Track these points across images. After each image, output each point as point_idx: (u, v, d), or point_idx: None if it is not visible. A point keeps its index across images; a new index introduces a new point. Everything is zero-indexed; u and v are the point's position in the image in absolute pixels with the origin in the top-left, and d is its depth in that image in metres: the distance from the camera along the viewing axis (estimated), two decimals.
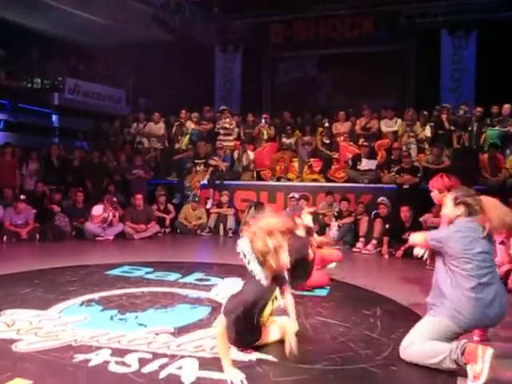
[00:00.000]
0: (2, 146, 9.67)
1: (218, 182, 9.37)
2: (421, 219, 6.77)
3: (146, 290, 4.45)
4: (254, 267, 2.71)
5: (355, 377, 2.70)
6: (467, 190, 3.09)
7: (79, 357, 2.80)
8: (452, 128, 9.16)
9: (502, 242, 4.94)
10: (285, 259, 2.67)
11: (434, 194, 3.89)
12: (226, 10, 12.91)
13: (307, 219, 4.63)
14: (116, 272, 5.22)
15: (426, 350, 2.70)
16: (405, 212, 6.91)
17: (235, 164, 9.95)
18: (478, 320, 2.78)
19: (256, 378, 2.58)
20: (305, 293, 4.39)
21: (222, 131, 10.22)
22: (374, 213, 7.70)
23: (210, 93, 13.38)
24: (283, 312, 3.11)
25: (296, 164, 9.66)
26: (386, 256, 6.85)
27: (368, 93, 12.01)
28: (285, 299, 3.06)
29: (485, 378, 2.48)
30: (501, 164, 8.34)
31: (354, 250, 7.32)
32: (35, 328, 3.28)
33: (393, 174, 8.60)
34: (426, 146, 9.17)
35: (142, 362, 2.75)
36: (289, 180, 9.51)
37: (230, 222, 8.79)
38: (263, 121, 10.49)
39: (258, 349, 2.93)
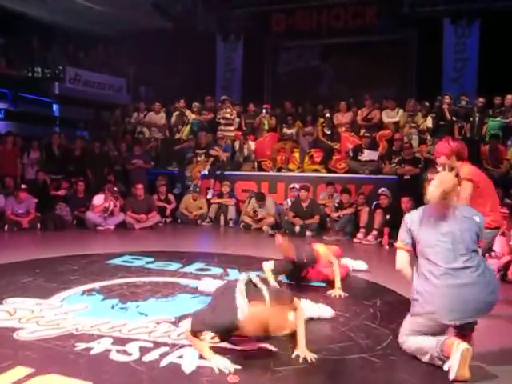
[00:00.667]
0: (3, 135, 9.66)
1: (218, 172, 9.37)
2: None
3: (146, 279, 4.47)
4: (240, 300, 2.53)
5: (355, 366, 2.72)
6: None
7: (81, 345, 2.82)
8: (454, 119, 9.11)
9: (502, 234, 4.94)
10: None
11: (442, 161, 3.67)
12: None
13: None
14: (117, 261, 5.24)
15: (417, 349, 2.69)
16: (405, 203, 6.91)
17: (236, 154, 9.93)
18: (455, 310, 2.58)
19: (255, 367, 2.60)
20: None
21: (222, 121, 10.18)
22: (374, 203, 7.70)
23: (211, 82, 13.30)
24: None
25: (297, 154, 9.64)
26: (387, 247, 6.87)
27: (370, 83, 11.93)
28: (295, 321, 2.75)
29: (455, 372, 2.42)
30: (502, 155, 8.30)
31: (355, 240, 7.34)
32: (37, 317, 3.30)
33: (394, 164, 8.59)
34: (428, 137, 9.13)
35: (143, 350, 2.77)
36: (290, 170, 9.50)
37: (231, 213, 8.80)
38: (264, 111, 10.44)
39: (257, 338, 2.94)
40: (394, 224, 6.98)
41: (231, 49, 13.80)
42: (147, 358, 2.68)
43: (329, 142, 9.72)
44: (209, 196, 9.19)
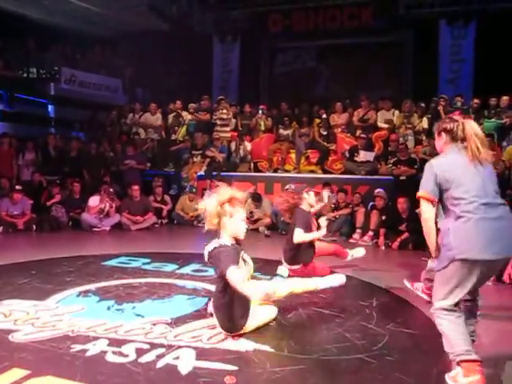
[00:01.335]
0: None
1: (215, 173, 9.36)
2: (417, 211, 6.77)
3: (143, 280, 4.47)
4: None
5: (351, 367, 2.73)
6: (451, 117, 2.79)
7: (76, 347, 2.81)
8: None
9: None
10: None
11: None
12: None
13: (312, 197, 4.75)
14: (113, 263, 5.23)
15: (444, 336, 2.57)
16: (401, 203, 6.92)
17: (232, 155, 9.92)
18: (493, 243, 2.42)
19: (252, 368, 2.60)
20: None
21: (218, 122, 10.18)
22: (370, 204, 7.72)
23: (207, 83, 13.29)
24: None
25: (293, 155, 9.64)
26: (383, 247, 6.89)
27: (366, 84, 11.96)
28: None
29: None
30: (497, 156, 8.34)
31: (351, 241, 7.34)
32: (32, 318, 3.29)
33: (390, 165, 8.61)
34: (424, 138, 9.16)
35: (139, 352, 2.76)
36: (286, 171, 9.50)
37: None
38: (260, 112, 10.44)
39: (254, 339, 2.95)
40: (390, 225, 7.03)
41: (228, 50, 13.79)
42: (143, 359, 2.68)
43: (325, 143, 9.73)
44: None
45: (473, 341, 2.64)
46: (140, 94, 14.32)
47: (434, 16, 11.87)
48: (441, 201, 2.62)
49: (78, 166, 9.58)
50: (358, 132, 9.56)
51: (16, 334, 3.01)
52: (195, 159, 9.87)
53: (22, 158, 9.45)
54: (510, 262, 4.51)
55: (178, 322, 3.26)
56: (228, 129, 10.20)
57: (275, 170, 9.53)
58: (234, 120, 10.43)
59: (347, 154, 9.07)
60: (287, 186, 8.49)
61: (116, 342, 2.89)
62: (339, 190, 8.12)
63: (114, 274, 4.66)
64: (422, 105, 9.62)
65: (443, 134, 2.73)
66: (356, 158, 8.87)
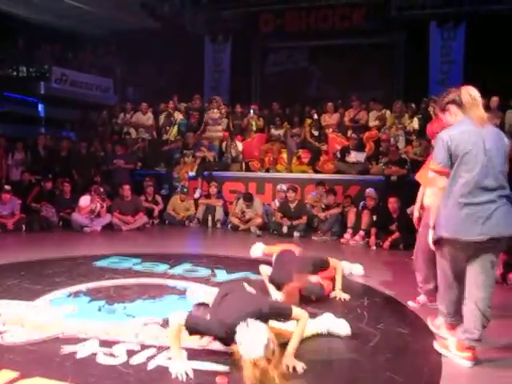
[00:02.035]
0: None
1: (206, 173, 9.35)
2: (408, 210, 6.83)
3: (134, 280, 4.44)
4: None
5: (343, 367, 2.73)
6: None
7: (67, 348, 2.79)
8: None
9: None
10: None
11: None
12: None
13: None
14: (104, 263, 5.19)
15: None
16: (392, 203, 6.96)
17: (224, 155, 9.91)
18: (467, 228, 2.55)
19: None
20: None
21: (210, 121, 10.16)
22: (361, 204, 7.75)
23: (199, 83, 13.27)
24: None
25: (285, 155, 9.64)
26: (374, 247, 6.91)
27: (358, 84, 12.01)
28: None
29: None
30: None
31: (342, 240, 7.37)
32: (22, 319, 3.25)
33: (381, 165, 8.65)
34: (414, 138, 9.22)
35: (130, 353, 2.74)
36: (277, 171, 9.51)
37: (219, 214, 8.77)
38: (252, 112, 10.45)
39: None
40: (380, 225, 7.06)
41: (219, 50, 13.78)
42: (134, 360, 2.66)
43: (316, 143, 9.76)
44: (196, 195, 9.14)
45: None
46: (131, 93, 14.27)
47: (425, 18, 11.96)
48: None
49: (68, 166, 9.51)
50: (349, 132, 9.59)
51: (5, 335, 2.97)
52: (186, 159, 9.84)
53: (12, 157, 9.37)
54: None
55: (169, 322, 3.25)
56: (219, 128, 10.19)
57: (267, 170, 9.53)
58: (225, 120, 10.42)
59: (338, 155, 9.11)
60: (278, 187, 8.58)
61: (107, 343, 2.87)
62: (329, 190, 8.12)
63: (105, 275, 4.63)
64: (413, 105, 9.68)
65: (450, 106, 2.79)
66: (347, 159, 8.91)
